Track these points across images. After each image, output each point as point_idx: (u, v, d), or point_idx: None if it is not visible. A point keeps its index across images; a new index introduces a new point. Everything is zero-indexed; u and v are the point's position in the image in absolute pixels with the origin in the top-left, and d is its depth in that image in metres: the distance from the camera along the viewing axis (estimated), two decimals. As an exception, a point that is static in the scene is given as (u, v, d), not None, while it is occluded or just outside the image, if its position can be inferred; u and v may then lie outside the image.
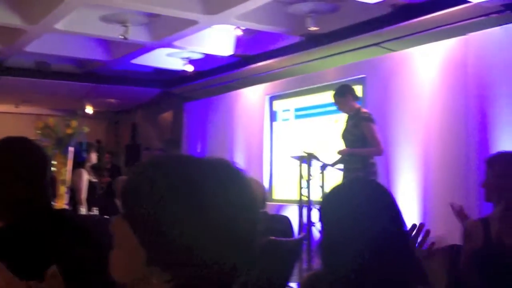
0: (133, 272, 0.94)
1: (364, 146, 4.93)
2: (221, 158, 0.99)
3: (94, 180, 5.64)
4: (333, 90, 5.22)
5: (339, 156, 5.18)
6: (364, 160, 4.91)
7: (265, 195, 3.38)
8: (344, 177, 5.02)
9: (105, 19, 6.66)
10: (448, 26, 5.89)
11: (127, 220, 0.95)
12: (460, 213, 2.86)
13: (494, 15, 5.45)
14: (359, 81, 6.63)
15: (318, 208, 1.50)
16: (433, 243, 1.63)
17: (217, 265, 0.92)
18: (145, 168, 0.97)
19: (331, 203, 1.49)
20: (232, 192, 0.95)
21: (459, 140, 5.43)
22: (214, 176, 0.95)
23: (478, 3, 5.18)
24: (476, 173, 5.14)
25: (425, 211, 5.71)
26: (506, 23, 5.22)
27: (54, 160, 4.48)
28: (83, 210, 5.24)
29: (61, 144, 4.42)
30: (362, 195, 1.45)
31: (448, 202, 5.29)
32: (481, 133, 5.23)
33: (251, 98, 8.63)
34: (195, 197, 0.92)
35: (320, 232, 1.49)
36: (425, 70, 5.91)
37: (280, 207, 7.26)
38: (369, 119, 4.97)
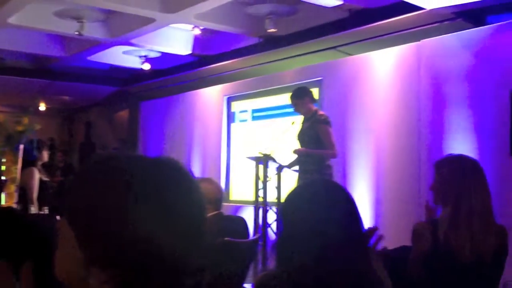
0: (73, 273, 0.93)
1: (319, 148, 4.98)
2: (167, 156, 0.99)
3: (46, 179, 5.50)
4: (291, 92, 5.25)
5: (295, 158, 5.22)
6: (320, 162, 4.96)
7: (221, 195, 3.36)
8: (300, 178, 5.05)
9: (60, 14, 6.51)
10: (403, 32, 6.03)
11: (67, 219, 0.94)
12: (430, 211, 2.83)
13: (446, 23, 5.61)
14: (316, 84, 6.70)
15: (278, 207, 1.53)
16: (384, 247, 1.66)
17: (159, 263, 0.91)
18: (84, 168, 0.96)
19: (291, 201, 1.52)
20: (178, 189, 0.94)
21: (412, 143, 5.57)
22: (157, 173, 0.94)
23: (431, 10, 5.32)
24: (428, 175, 5.28)
25: (377, 212, 5.82)
26: (457, 31, 5.38)
27: (4, 158, 4.34)
28: (33, 210, 5.11)
29: (11, 141, 4.29)
30: (322, 195, 1.48)
31: (400, 203, 5.44)
32: (433, 136, 5.38)
33: (208, 98, 8.60)
34: (134, 195, 0.91)
35: (278, 230, 1.51)
36: (380, 74, 6.03)
37: (237, 208, 7.27)
38: (325, 121, 5.02)
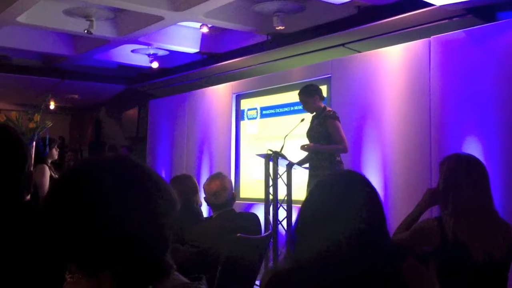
0: None
1: (329, 144, 4.98)
2: (124, 155, 1.04)
3: (56, 176, 5.54)
4: (300, 90, 5.24)
5: (306, 154, 5.21)
6: (331, 158, 4.95)
7: (217, 198, 3.36)
8: (311, 175, 5.04)
9: (69, 12, 6.54)
10: (412, 29, 6.00)
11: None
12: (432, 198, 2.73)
13: (456, 19, 5.58)
14: (325, 81, 6.68)
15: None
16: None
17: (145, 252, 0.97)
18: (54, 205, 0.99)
19: (312, 193, 1.50)
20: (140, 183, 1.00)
21: (423, 140, 5.54)
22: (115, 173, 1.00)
23: (441, 6, 5.29)
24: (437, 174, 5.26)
25: (387, 210, 5.78)
26: (468, 27, 5.35)
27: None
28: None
29: (24, 138, 4.30)
30: (342, 187, 1.47)
31: (409, 202, 5.41)
32: (444, 133, 5.35)
33: (217, 96, 8.60)
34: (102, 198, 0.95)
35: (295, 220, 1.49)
36: (389, 71, 6.00)
37: (247, 206, 7.26)
38: (334, 117, 5.02)
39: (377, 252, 1.41)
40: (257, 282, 3.76)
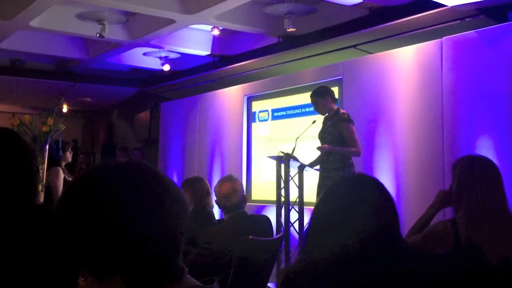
0: None
1: (342, 146, 4.96)
2: (136, 160, 1.06)
3: (70, 178, 5.58)
4: (312, 91, 5.22)
5: (317, 156, 5.20)
6: (343, 160, 4.94)
7: (226, 201, 3.36)
8: (322, 177, 5.04)
9: (82, 16, 6.58)
10: (424, 29, 5.97)
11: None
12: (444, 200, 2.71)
13: (468, 19, 5.55)
14: (336, 83, 6.67)
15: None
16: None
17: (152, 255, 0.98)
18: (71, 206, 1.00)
19: (325, 195, 1.51)
20: (153, 188, 1.01)
21: (435, 141, 5.51)
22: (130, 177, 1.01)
23: (453, 7, 5.27)
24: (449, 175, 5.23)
25: (400, 210, 5.75)
26: (480, 27, 5.32)
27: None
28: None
29: (37, 141, 4.34)
30: (354, 189, 1.47)
31: (421, 203, 5.39)
32: (457, 134, 5.32)
33: (229, 98, 8.62)
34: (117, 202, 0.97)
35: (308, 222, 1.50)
36: (401, 72, 5.98)
37: (259, 208, 7.27)
38: (348, 119, 5.00)
39: (390, 254, 1.41)
40: (269, 284, 3.76)
